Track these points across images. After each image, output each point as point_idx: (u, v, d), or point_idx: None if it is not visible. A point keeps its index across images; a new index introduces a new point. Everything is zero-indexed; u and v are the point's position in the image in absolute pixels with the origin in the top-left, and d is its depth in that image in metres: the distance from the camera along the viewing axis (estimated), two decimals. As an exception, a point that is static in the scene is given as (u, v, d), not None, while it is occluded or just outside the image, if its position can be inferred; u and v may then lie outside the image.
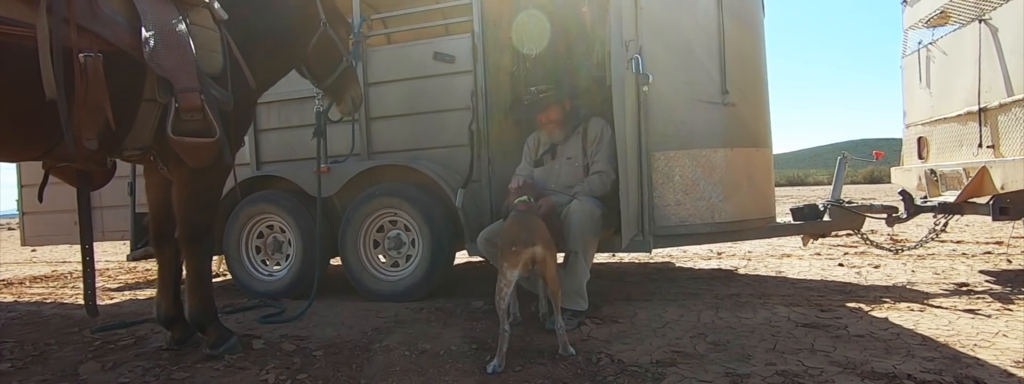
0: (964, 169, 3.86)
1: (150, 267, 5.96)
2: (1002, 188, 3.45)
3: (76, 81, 2.07)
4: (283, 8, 2.97)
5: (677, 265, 4.94)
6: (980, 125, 3.75)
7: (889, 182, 6.11)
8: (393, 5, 4.51)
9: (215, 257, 4.33)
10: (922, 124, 4.68)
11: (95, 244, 2.70)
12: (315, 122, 3.52)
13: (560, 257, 3.24)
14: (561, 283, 3.02)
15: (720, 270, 4.60)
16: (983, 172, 3.58)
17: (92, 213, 2.64)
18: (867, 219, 3.92)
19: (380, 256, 3.88)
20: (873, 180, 25.72)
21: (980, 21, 3.75)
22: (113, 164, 2.61)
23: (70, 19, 2.06)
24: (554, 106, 3.40)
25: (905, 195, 4.29)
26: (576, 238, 2.99)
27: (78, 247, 2.62)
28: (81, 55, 2.07)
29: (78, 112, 2.10)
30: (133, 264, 6.33)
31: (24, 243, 4.83)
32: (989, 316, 2.88)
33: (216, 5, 2.57)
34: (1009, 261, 4.48)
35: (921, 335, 2.61)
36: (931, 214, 4.15)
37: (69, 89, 2.06)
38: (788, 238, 5.69)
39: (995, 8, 3.62)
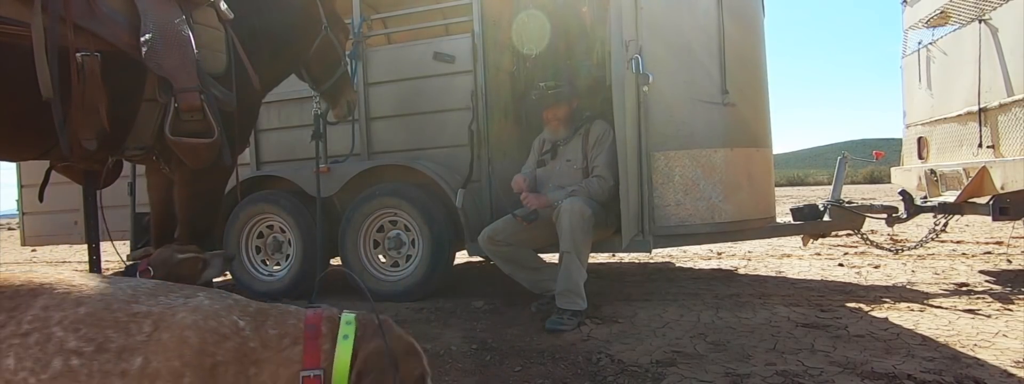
0: (964, 169, 3.86)
1: (150, 267, 5.96)
2: (1002, 188, 3.45)
3: (73, 81, 2.06)
4: (288, 9, 2.97)
5: (677, 265, 4.94)
6: (980, 125, 3.75)
7: (889, 182, 6.10)
8: (393, 5, 4.51)
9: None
10: (922, 124, 4.68)
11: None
12: (313, 124, 3.52)
13: (554, 257, 3.24)
14: (562, 284, 3.04)
15: (720, 270, 4.60)
16: (983, 172, 3.58)
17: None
18: (867, 219, 3.92)
19: (380, 256, 3.88)
20: (873, 180, 25.70)
21: (980, 21, 3.74)
22: (118, 163, 2.61)
23: (67, 18, 2.05)
24: (562, 103, 3.40)
25: (905, 195, 4.29)
26: (567, 238, 2.99)
27: (78, 247, 2.63)
28: (78, 55, 2.07)
29: (75, 112, 2.09)
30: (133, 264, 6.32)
31: (24, 243, 4.82)
32: (989, 316, 2.88)
33: (222, 5, 2.56)
34: (1009, 261, 4.48)
35: (921, 335, 2.61)
36: (931, 214, 4.15)
37: (66, 89, 2.06)
38: (788, 238, 5.69)
39: (995, 8, 3.62)
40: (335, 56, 3.25)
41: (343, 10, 3.56)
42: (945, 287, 3.60)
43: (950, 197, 3.94)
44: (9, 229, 15.52)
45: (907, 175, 4.88)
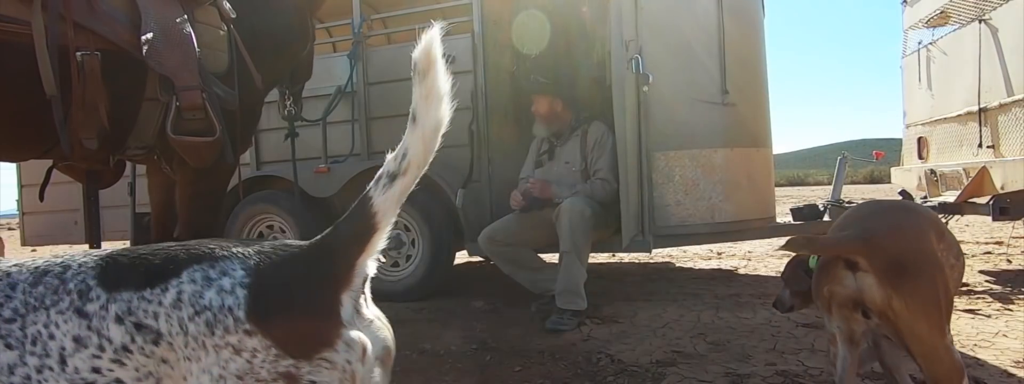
0: (964, 169, 3.86)
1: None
2: (1002, 188, 3.45)
3: (73, 80, 2.06)
4: (289, 11, 2.98)
5: (677, 265, 4.94)
6: (980, 125, 3.75)
7: (889, 182, 6.10)
8: (393, 5, 4.51)
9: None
10: (922, 124, 4.69)
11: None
12: (288, 124, 3.49)
13: (554, 258, 3.24)
14: (562, 284, 3.03)
15: (720, 270, 4.60)
16: (983, 172, 3.58)
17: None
18: (867, 219, 3.92)
19: (380, 256, 3.87)
20: (873, 180, 25.66)
21: (980, 21, 3.75)
22: (120, 163, 2.60)
23: (67, 16, 2.05)
24: (543, 98, 3.40)
25: (905, 195, 4.29)
26: (567, 238, 2.99)
27: (78, 247, 2.62)
28: (78, 53, 2.06)
29: (76, 111, 2.09)
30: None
31: (24, 243, 4.83)
32: (989, 316, 2.88)
33: (226, 4, 2.56)
34: (1009, 261, 4.48)
35: (921, 335, 2.61)
36: (931, 214, 4.15)
37: (66, 88, 2.05)
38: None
39: (995, 8, 3.62)
40: (312, 59, 3.33)
41: (340, 11, 3.55)
42: (945, 287, 3.60)
43: (950, 197, 3.94)
44: (9, 229, 15.52)
45: (907, 175, 4.89)
